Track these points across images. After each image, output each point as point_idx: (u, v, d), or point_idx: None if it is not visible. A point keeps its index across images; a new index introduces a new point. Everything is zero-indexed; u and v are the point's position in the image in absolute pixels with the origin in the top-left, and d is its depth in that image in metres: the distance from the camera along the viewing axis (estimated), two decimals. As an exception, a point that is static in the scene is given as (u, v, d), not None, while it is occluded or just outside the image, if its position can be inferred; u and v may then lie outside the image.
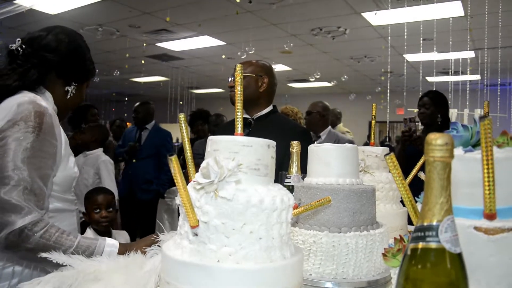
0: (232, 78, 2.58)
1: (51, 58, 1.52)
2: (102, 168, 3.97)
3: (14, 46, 1.50)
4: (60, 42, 1.54)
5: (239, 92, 0.93)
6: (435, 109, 3.64)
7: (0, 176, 1.28)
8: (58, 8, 6.45)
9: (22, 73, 1.47)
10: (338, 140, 4.28)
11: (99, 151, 4.08)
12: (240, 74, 0.95)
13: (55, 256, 1.12)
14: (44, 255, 1.13)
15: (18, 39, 1.51)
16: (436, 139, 0.57)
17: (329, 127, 4.55)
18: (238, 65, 0.95)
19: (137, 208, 4.87)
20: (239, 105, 0.93)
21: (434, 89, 4.06)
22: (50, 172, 1.40)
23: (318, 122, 4.46)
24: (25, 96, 1.43)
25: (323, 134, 4.42)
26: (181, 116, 1.00)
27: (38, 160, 1.34)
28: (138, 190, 4.94)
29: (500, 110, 8.22)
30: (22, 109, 1.37)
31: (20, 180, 1.28)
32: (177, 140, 12.02)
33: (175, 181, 0.78)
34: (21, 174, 1.28)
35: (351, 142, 4.73)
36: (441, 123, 3.61)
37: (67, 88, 1.61)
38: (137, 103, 5.32)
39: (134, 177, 4.97)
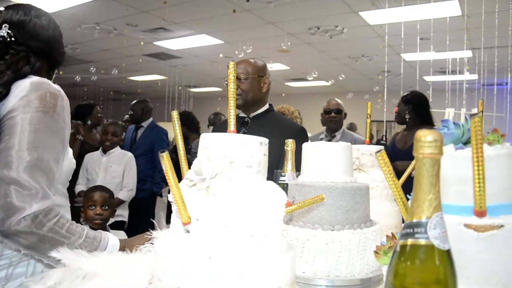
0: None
1: (43, 47, 1.50)
2: (131, 164, 4.03)
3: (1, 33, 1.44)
4: (48, 30, 1.52)
5: (231, 90, 0.93)
6: (403, 106, 3.90)
7: (12, 156, 1.23)
8: (55, 6, 6.43)
9: (27, 59, 1.44)
10: (354, 140, 4.16)
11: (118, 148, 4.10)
12: (233, 72, 0.95)
13: (61, 255, 1.11)
14: (53, 254, 1.12)
15: (5, 25, 1.44)
16: (425, 136, 0.57)
17: (343, 127, 4.52)
18: (231, 63, 0.95)
19: (132, 207, 4.85)
20: (231, 102, 0.93)
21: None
22: (60, 156, 1.37)
23: (343, 121, 4.48)
24: (36, 77, 1.40)
25: (338, 134, 4.37)
26: (174, 114, 1.00)
27: (50, 141, 1.31)
28: None
29: (497, 109, 8.23)
30: (37, 88, 1.34)
31: (34, 160, 1.24)
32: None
33: (167, 178, 0.78)
34: (36, 154, 1.25)
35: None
36: (410, 120, 3.82)
37: (51, 74, 1.60)
38: (134, 101, 5.31)
39: None
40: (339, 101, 4.48)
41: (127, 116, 6.06)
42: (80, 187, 3.78)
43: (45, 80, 1.40)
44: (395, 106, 4.05)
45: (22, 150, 1.25)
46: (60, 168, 1.40)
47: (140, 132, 5.17)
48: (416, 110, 3.82)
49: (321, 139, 4.36)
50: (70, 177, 1.62)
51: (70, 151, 1.55)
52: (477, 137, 0.72)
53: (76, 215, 3.38)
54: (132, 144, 5.13)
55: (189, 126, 5.61)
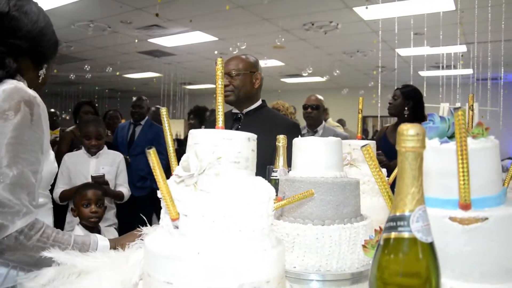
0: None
1: (22, 44, 1.38)
2: (123, 164, 3.69)
3: None
4: (27, 25, 1.38)
5: (219, 86, 0.93)
6: (402, 101, 3.78)
7: None
8: (49, 4, 6.39)
9: (1, 62, 1.32)
10: (336, 135, 4.15)
11: (106, 147, 3.70)
12: (221, 68, 0.95)
13: (54, 254, 1.10)
14: (44, 253, 1.11)
15: None
16: (407, 130, 0.58)
17: (324, 122, 4.53)
18: (219, 59, 0.96)
19: (133, 205, 4.84)
20: (219, 99, 0.93)
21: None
22: (39, 167, 1.31)
23: (321, 117, 4.44)
24: (10, 84, 1.29)
25: (320, 129, 4.37)
26: (163, 110, 1.00)
27: (30, 154, 1.25)
28: (132, 188, 4.88)
29: (491, 104, 8.26)
30: (11, 97, 1.24)
31: (14, 177, 1.19)
32: (176, 135, 12.05)
33: (154, 174, 0.78)
34: (15, 171, 1.20)
35: (347, 138, 4.68)
36: (408, 115, 3.72)
37: (40, 72, 1.49)
38: (137, 98, 5.19)
39: (129, 174, 4.91)
40: (319, 97, 4.47)
41: (111, 112, 5.95)
42: (59, 190, 3.33)
43: (19, 86, 1.30)
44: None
45: (1, 167, 1.19)
46: (40, 175, 1.34)
47: (138, 130, 5.14)
48: (415, 107, 3.76)
49: (303, 134, 4.36)
50: (52, 181, 1.55)
51: (52, 154, 1.48)
52: (461, 131, 0.72)
53: (62, 214, 3.26)
54: (130, 142, 5.10)
55: (201, 121, 5.59)
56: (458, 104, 7.67)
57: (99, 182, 3.10)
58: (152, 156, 0.77)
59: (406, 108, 3.75)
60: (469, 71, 9.64)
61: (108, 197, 3.19)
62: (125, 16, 7.26)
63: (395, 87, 4.06)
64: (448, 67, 9.04)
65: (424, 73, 10.03)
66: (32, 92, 1.31)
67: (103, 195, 2.69)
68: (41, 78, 1.51)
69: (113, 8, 6.82)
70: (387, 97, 4.21)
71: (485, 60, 8.05)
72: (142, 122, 5.15)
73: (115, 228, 3.42)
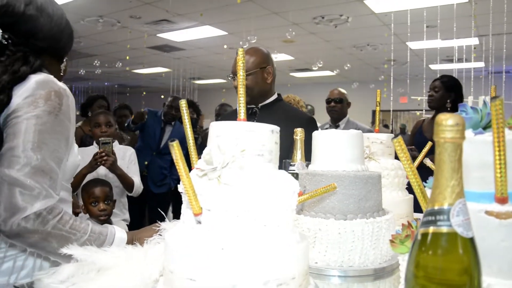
0: (232, 76, 2.52)
1: (44, 45, 1.42)
2: (135, 158, 3.57)
3: None
4: (46, 25, 1.41)
5: (241, 77, 0.91)
6: (444, 92, 3.58)
7: (16, 156, 1.21)
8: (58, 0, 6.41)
9: (24, 59, 1.35)
10: (358, 129, 4.05)
11: (117, 142, 3.54)
12: (242, 59, 0.92)
13: (73, 251, 1.10)
14: (63, 250, 1.11)
15: None
16: (446, 120, 0.55)
17: (347, 116, 4.44)
18: (240, 49, 0.93)
19: (149, 201, 4.86)
20: (241, 90, 0.90)
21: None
22: (63, 156, 1.34)
23: (344, 111, 4.37)
24: (41, 75, 1.34)
25: (342, 123, 4.30)
26: (183, 102, 0.97)
27: (55, 142, 1.28)
28: (152, 185, 4.90)
29: (504, 97, 8.14)
30: (42, 87, 1.29)
31: (37, 161, 1.22)
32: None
33: (177, 167, 0.76)
34: (39, 155, 1.23)
35: (371, 131, 4.58)
36: (451, 109, 3.51)
37: (62, 66, 1.55)
38: (173, 98, 5.10)
39: (151, 171, 4.90)
40: (342, 90, 4.40)
41: (119, 109, 5.86)
42: None
43: (50, 78, 1.34)
44: (402, 96, 3.90)
45: (26, 150, 1.22)
46: (65, 166, 1.38)
47: (167, 129, 5.10)
48: (456, 99, 3.56)
49: (326, 129, 4.29)
50: (75, 173, 1.58)
51: (76, 147, 1.51)
52: (498, 121, 0.69)
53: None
54: (159, 140, 5.04)
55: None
56: (470, 98, 7.58)
57: (105, 147, 2.95)
58: (176, 149, 0.74)
59: (448, 101, 3.55)
60: (481, 64, 9.51)
61: (117, 190, 3.13)
62: (135, 11, 7.25)
63: (407, 81, 3.97)
64: (460, 60, 8.92)
65: (435, 67, 9.93)
66: (62, 85, 1.36)
67: (111, 190, 2.66)
68: (63, 70, 1.55)
69: (122, 3, 6.81)
70: (398, 91, 4.13)
71: (498, 53, 7.93)
72: (172, 123, 5.14)
73: (127, 224, 3.39)
